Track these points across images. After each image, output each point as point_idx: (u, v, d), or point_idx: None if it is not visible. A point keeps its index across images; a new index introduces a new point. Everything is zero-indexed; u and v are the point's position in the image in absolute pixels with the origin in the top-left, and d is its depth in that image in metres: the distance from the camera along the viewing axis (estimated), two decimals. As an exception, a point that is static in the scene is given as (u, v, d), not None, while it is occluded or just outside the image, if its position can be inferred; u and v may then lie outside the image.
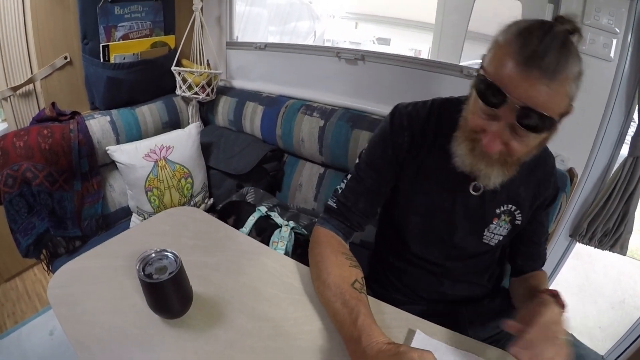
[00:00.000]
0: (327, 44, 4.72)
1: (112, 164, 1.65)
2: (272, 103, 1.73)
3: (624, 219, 1.31)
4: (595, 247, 1.41)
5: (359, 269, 0.81)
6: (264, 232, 1.28)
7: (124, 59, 1.67)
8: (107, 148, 1.58)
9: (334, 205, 0.92)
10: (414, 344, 0.72)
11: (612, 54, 1.16)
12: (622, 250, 1.37)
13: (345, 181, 0.93)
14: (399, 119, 0.89)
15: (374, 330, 0.65)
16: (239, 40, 2.03)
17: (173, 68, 1.77)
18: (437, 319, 0.95)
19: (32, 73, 1.52)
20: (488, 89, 0.65)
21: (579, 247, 1.47)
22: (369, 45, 5.87)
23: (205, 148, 1.80)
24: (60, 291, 0.77)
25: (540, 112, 0.62)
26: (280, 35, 3.61)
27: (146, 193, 1.59)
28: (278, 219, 1.32)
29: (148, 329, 0.70)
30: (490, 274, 1.04)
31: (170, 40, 1.85)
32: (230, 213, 1.38)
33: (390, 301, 0.84)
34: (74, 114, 1.57)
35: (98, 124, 1.60)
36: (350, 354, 0.65)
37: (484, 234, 0.91)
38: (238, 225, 1.30)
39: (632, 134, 1.23)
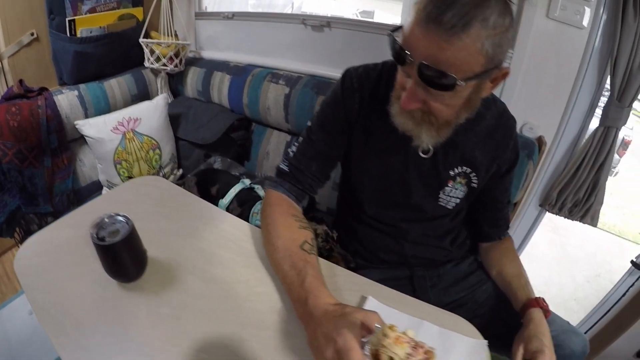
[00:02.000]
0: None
1: (81, 139, 1.66)
2: (240, 72, 1.73)
3: (594, 189, 1.31)
4: (565, 217, 1.41)
5: (309, 230, 0.81)
6: (245, 203, 1.29)
7: (91, 32, 1.66)
8: (75, 122, 1.59)
9: (285, 168, 0.91)
10: (365, 308, 0.71)
11: (584, 22, 1.14)
12: (593, 222, 1.37)
13: (296, 144, 0.92)
14: (349, 81, 0.88)
15: (320, 292, 0.64)
16: (209, 10, 2.01)
17: (141, 40, 1.76)
18: (398, 282, 0.99)
19: None
20: (396, 48, 0.66)
21: (557, 221, 1.48)
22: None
23: (175, 119, 1.81)
24: (26, 262, 0.79)
25: (438, 70, 0.61)
26: (257, 8, 3.50)
27: (115, 166, 1.61)
28: (261, 192, 1.33)
29: (104, 293, 0.72)
30: (454, 238, 1.04)
31: (138, 12, 1.82)
32: (215, 182, 1.39)
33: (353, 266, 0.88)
34: (42, 90, 1.56)
35: (66, 99, 1.60)
36: (298, 316, 0.65)
37: (440, 196, 0.91)
38: (220, 195, 1.32)
39: (604, 104, 1.22)
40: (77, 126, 1.58)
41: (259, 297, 0.73)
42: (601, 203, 1.35)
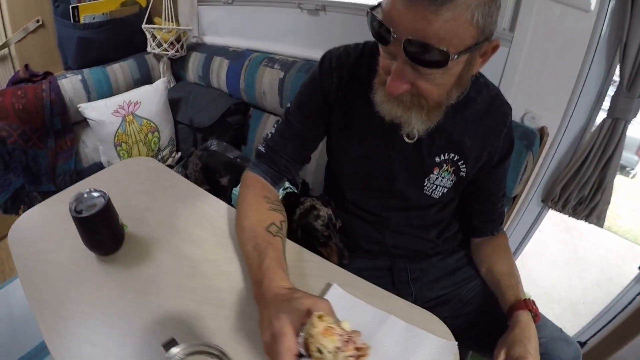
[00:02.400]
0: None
1: (84, 122, 1.71)
2: (238, 57, 1.74)
3: (601, 186, 1.20)
4: (569, 216, 1.31)
5: (279, 212, 0.80)
6: None
7: (94, 18, 1.71)
8: (78, 105, 1.65)
9: (263, 150, 0.89)
10: (327, 297, 0.69)
11: (591, 5, 1.05)
12: (599, 222, 1.26)
13: (275, 126, 0.91)
14: (328, 61, 0.84)
15: (276, 274, 0.63)
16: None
17: (143, 26, 1.79)
18: (377, 272, 0.97)
19: (6, 37, 1.59)
20: (377, 26, 0.61)
21: (570, 221, 1.36)
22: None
23: (175, 103, 1.85)
24: (19, 233, 0.84)
25: (427, 44, 0.55)
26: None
27: (115, 148, 1.67)
28: None
29: (82, 264, 0.75)
30: (441, 231, 0.98)
31: (141, -1, 1.86)
32: (227, 172, 1.40)
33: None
34: (47, 74, 1.62)
35: (70, 83, 1.66)
36: (254, 297, 0.65)
37: (425, 184, 0.86)
38: (233, 184, 1.30)
39: (613, 94, 1.12)
40: (79, 109, 1.64)
41: (224, 276, 0.74)
42: (608, 202, 1.24)
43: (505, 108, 0.85)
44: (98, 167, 1.77)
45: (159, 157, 1.79)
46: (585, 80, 1.14)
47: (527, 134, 1.15)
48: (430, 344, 0.64)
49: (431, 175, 0.85)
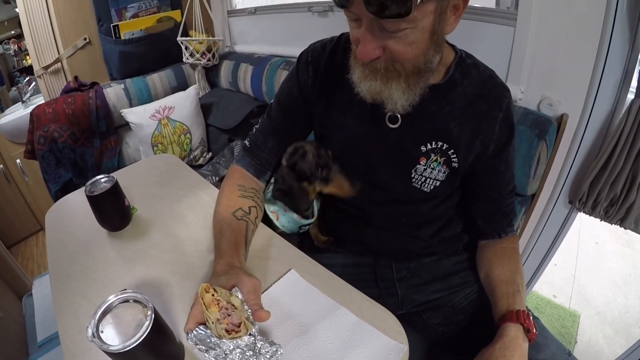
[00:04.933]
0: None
1: (127, 125, 1.92)
2: (260, 62, 1.85)
3: (635, 182, 1.00)
4: (601, 220, 1.11)
5: (249, 199, 0.83)
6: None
7: (133, 35, 1.94)
8: (121, 111, 1.85)
9: (247, 143, 0.93)
10: (281, 281, 0.72)
11: None
12: (638, 228, 1.07)
13: (260, 120, 0.94)
14: (305, 56, 0.85)
15: (225, 253, 0.68)
16: (238, 7, 2.19)
17: (178, 38, 1.98)
18: (360, 269, 0.93)
19: (58, 54, 1.86)
20: None
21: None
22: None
23: (207, 107, 2.02)
24: (55, 214, 1.03)
25: None
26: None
27: (152, 148, 1.85)
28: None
29: (95, 237, 0.90)
30: (437, 230, 0.90)
31: (176, 14, 2.08)
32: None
33: (315, 250, 0.88)
34: (93, 84, 1.86)
35: (114, 92, 1.88)
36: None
37: (412, 176, 0.80)
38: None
39: None
40: (122, 114, 1.85)
41: (198, 253, 0.82)
42: (645, 202, 1.03)
43: (500, 90, 0.77)
44: (138, 164, 1.98)
45: (191, 156, 1.95)
46: (607, 57, 0.97)
47: (540, 122, 1.02)
48: (375, 342, 0.61)
49: (418, 166, 0.79)
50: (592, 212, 1.12)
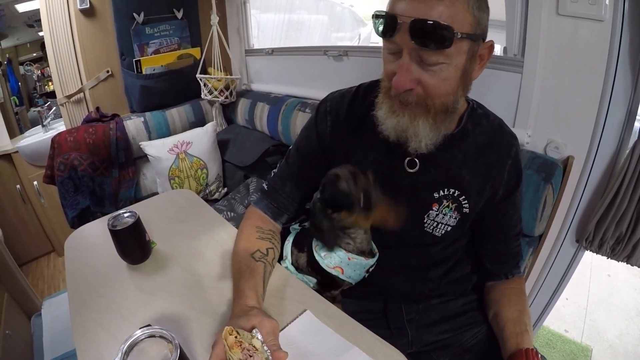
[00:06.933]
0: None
1: (145, 157, 1.98)
2: (276, 102, 1.92)
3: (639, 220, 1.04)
4: (608, 257, 1.15)
5: (267, 241, 0.86)
6: (304, 245, 0.97)
7: (154, 70, 2.03)
8: (140, 143, 1.92)
9: (265, 187, 0.97)
10: (297, 322, 0.74)
11: (603, 12, 0.95)
12: None
13: (279, 165, 0.97)
14: (324, 105, 0.89)
15: (245, 294, 0.70)
16: (256, 47, 2.29)
17: (197, 75, 2.07)
18: (371, 315, 0.94)
19: (82, 84, 1.96)
20: (381, 20, 0.64)
21: None
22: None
23: (224, 144, 2.08)
24: (74, 243, 1.05)
25: (431, 21, 0.59)
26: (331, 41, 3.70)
27: (170, 181, 1.90)
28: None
29: (115, 269, 0.92)
30: (446, 272, 0.92)
31: (196, 52, 2.18)
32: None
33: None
34: (114, 116, 1.94)
35: (133, 124, 1.96)
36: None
37: (425, 221, 0.83)
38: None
39: None
40: (141, 146, 1.91)
41: (217, 290, 0.84)
42: (651, 240, 1.06)
43: (509, 138, 0.82)
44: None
45: (207, 191, 1.99)
46: (610, 98, 1.01)
47: (546, 166, 1.06)
48: None
49: (430, 211, 0.81)
50: (598, 251, 1.15)
